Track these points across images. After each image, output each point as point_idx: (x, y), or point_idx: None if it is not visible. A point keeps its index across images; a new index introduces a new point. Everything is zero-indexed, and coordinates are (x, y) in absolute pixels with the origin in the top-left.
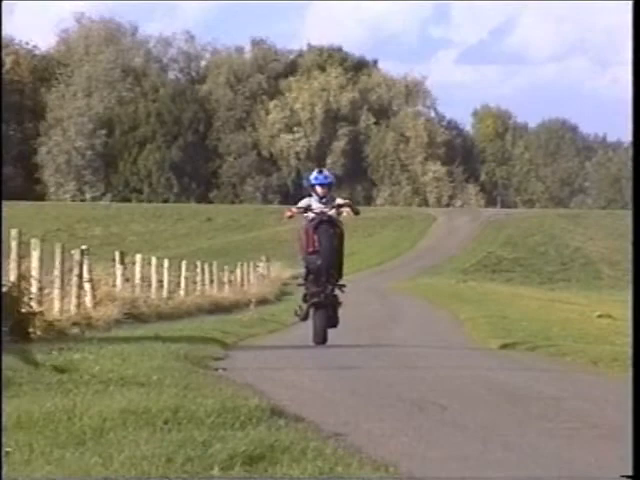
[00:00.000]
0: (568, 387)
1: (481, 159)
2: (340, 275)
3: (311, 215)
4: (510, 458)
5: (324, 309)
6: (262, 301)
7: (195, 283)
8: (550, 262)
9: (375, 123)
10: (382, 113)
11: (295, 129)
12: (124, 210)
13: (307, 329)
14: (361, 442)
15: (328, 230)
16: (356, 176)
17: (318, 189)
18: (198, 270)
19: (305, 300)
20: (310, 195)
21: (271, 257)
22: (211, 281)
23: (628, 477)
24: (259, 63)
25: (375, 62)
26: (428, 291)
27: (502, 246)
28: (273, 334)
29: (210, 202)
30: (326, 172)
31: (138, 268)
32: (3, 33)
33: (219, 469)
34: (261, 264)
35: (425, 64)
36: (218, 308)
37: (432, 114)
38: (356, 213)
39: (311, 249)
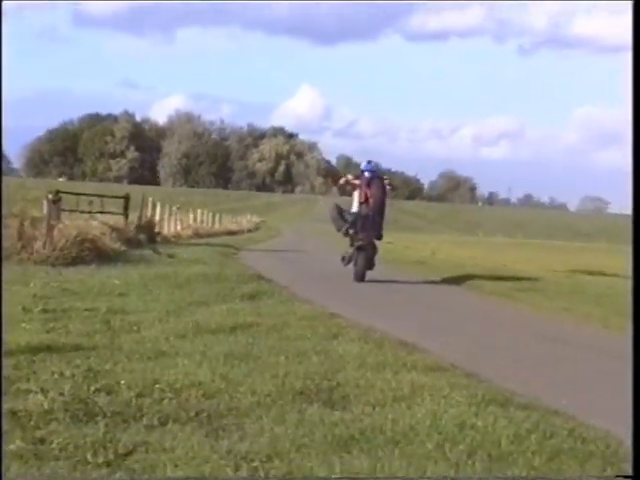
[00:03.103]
0: (394, 274)
1: None
2: (382, 225)
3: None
4: (386, 316)
5: (365, 252)
6: (249, 230)
7: (221, 223)
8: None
9: (297, 159)
10: (299, 156)
11: (262, 161)
12: (191, 192)
13: (272, 244)
14: (296, 291)
15: (378, 184)
16: (289, 182)
17: (366, 174)
18: (223, 217)
19: (352, 244)
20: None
21: (251, 214)
22: (229, 222)
23: (628, 477)
24: (252, 135)
25: (296, 135)
26: (317, 229)
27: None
28: (255, 244)
29: (223, 188)
30: (373, 162)
31: (199, 215)
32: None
33: (238, 300)
34: (247, 216)
35: (317, 137)
36: (231, 233)
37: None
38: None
39: (363, 199)
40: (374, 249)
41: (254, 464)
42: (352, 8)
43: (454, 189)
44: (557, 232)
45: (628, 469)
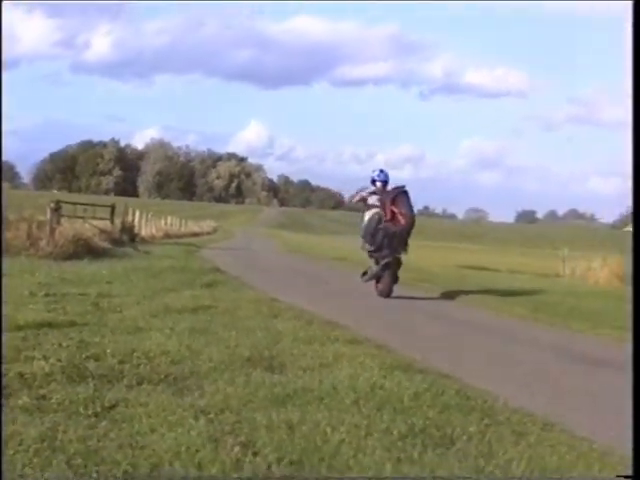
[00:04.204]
0: (322, 268)
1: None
2: (407, 240)
3: (375, 198)
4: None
5: (391, 269)
6: (208, 233)
7: (187, 227)
8: (305, 227)
9: (246, 177)
10: (248, 175)
11: (219, 179)
12: (163, 203)
13: (226, 243)
14: (248, 281)
15: (405, 201)
16: (240, 195)
17: (378, 184)
18: (188, 222)
19: (377, 263)
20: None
21: (210, 220)
22: (193, 226)
23: (627, 477)
24: (211, 158)
25: (245, 159)
26: (262, 232)
27: (285, 219)
28: (213, 244)
29: (188, 200)
30: (385, 171)
31: (169, 221)
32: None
33: (199, 287)
34: (207, 221)
35: (262, 160)
36: (194, 234)
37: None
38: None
39: (389, 217)
40: (399, 263)
41: (210, 416)
42: (291, 60)
43: None
44: (448, 236)
45: (502, 420)
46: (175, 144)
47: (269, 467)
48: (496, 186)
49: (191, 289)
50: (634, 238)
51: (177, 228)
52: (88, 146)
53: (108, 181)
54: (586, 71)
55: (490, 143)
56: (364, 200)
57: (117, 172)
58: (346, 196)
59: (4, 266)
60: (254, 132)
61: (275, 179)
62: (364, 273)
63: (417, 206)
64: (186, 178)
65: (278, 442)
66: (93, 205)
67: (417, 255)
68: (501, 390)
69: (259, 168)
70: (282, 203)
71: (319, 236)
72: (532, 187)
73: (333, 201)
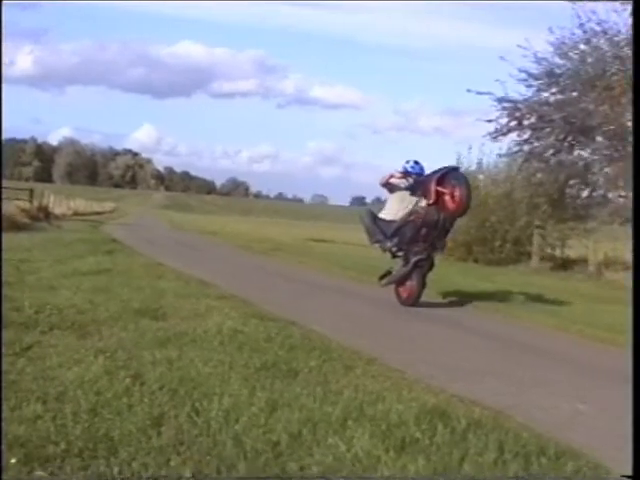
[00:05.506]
0: (198, 240)
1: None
2: (448, 233)
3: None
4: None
5: (422, 269)
6: (109, 212)
7: (92, 207)
8: (186, 208)
9: (139, 168)
10: (140, 167)
11: (117, 169)
12: (73, 188)
13: (122, 221)
14: (139, 249)
15: (464, 182)
16: (134, 183)
17: (408, 169)
18: (93, 203)
19: (407, 261)
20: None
21: (110, 202)
22: (96, 207)
23: (628, 477)
24: (111, 153)
25: (139, 154)
26: (152, 212)
27: (169, 202)
28: (112, 221)
29: (91, 186)
30: (421, 164)
31: (78, 202)
32: None
33: (101, 254)
34: (108, 203)
35: (152, 155)
36: (97, 213)
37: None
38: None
39: (433, 199)
40: (432, 264)
41: (107, 354)
42: (176, 77)
43: (235, 189)
44: (298, 216)
45: (336, 356)
46: (83, 141)
47: (152, 393)
48: (335, 178)
49: (94, 256)
50: (634, 238)
51: (83, 208)
52: (13, 142)
53: (28, 171)
54: (408, 89)
55: (331, 144)
56: (388, 184)
57: (36, 163)
58: (217, 184)
59: None
60: (146, 133)
61: (162, 170)
62: (382, 276)
63: (273, 192)
64: (91, 168)
65: (160, 374)
66: (16, 189)
67: (273, 230)
68: (335, 334)
69: (149, 161)
70: (167, 189)
71: (197, 215)
72: (362, 179)
73: (207, 188)
